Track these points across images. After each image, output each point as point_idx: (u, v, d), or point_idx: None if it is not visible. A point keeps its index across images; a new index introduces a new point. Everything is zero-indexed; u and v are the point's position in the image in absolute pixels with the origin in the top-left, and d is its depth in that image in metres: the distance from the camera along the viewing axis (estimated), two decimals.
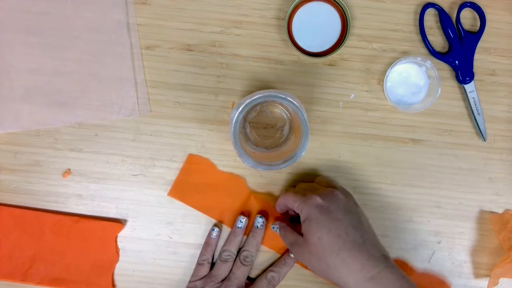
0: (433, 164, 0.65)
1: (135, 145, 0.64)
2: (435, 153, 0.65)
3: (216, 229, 0.63)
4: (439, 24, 0.64)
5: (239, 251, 0.62)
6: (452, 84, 0.65)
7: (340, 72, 0.64)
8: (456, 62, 0.64)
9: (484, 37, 0.64)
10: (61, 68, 0.63)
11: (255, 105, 0.60)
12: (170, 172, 0.64)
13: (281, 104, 0.63)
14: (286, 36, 0.62)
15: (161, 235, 0.64)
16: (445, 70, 0.65)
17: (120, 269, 0.64)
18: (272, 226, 0.63)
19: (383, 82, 0.62)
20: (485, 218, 0.65)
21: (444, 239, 0.65)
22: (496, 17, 0.64)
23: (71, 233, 0.63)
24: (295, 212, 0.58)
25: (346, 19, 0.62)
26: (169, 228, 0.64)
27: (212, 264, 0.63)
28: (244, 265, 0.61)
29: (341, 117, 0.65)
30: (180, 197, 0.64)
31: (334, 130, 0.65)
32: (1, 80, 0.63)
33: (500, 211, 0.65)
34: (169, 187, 0.64)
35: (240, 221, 0.62)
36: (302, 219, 0.56)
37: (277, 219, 0.63)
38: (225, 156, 0.64)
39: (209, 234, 0.63)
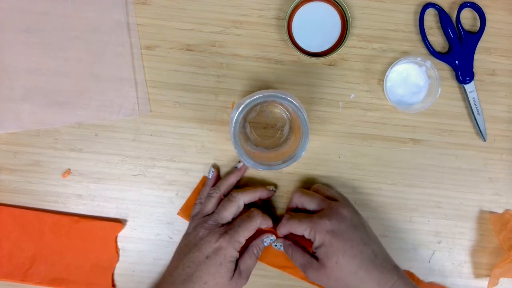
0: (433, 164, 0.65)
1: (135, 145, 0.64)
2: (435, 153, 0.65)
3: (212, 169, 0.63)
4: (439, 24, 0.64)
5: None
6: (452, 84, 0.65)
7: (340, 72, 0.64)
8: (456, 62, 0.64)
9: (484, 37, 0.64)
10: (61, 68, 0.63)
11: (255, 105, 0.60)
12: (170, 172, 0.64)
13: (281, 104, 0.63)
14: (286, 36, 0.62)
15: (161, 235, 0.64)
16: (445, 70, 0.65)
17: (120, 269, 0.64)
18: (274, 244, 0.62)
19: (383, 82, 0.62)
20: (485, 218, 0.65)
21: (444, 239, 0.65)
22: (496, 17, 0.64)
23: (71, 233, 0.63)
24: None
25: (346, 19, 0.62)
26: (169, 228, 0.64)
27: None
28: (230, 200, 0.59)
29: (341, 117, 0.65)
30: (189, 217, 0.63)
31: (334, 130, 0.65)
32: (1, 80, 0.63)
33: (500, 211, 0.65)
34: (169, 187, 0.64)
35: (239, 162, 0.63)
36: (316, 245, 0.56)
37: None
38: (225, 156, 0.64)
39: (207, 175, 0.63)
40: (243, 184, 0.64)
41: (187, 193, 0.64)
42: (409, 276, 0.63)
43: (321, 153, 0.65)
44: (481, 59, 0.65)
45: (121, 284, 0.64)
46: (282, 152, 0.59)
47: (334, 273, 0.55)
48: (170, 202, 0.64)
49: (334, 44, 0.63)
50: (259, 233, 0.61)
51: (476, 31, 0.64)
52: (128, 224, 0.64)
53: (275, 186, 0.64)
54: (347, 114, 0.65)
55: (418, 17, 0.64)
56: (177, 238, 0.64)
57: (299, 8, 0.63)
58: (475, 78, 0.64)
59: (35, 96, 0.63)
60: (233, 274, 0.58)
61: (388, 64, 0.64)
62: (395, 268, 0.55)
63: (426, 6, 0.64)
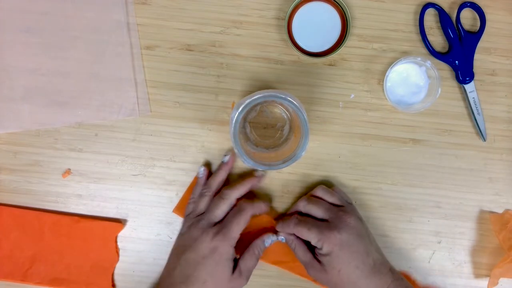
0: (433, 164, 0.65)
1: (135, 145, 0.64)
2: (435, 153, 0.65)
3: (202, 167, 0.63)
4: (439, 24, 0.64)
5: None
6: (452, 84, 0.65)
7: (340, 72, 0.64)
8: (456, 62, 0.64)
9: (484, 37, 0.64)
10: (61, 68, 0.63)
11: (255, 105, 0.60)
12: (170, 172, 0.64)
13: (281, 104, 0.63)
14: (286, 36, 0.62)
15: (161, 235, 0.64)
16: (445, 70, 0.65)
17: (120, 269, 0.64)
18: (279, 238, 0.62)
19: (383, 82, 0.62)
20: (485, 218, 0.65)
21: (444, 239, 0.65)
22: (496, 17, 0.64)
23: (71, 233, 0.63)
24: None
25: (346, 19, 0.62)
26: (169, 228, 0.64)
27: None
28: (222, 198, 0.60)
29: (341, 117, 0.65)
30: (183, 215, 0.63)
31: (334, 130, 0.65)
32: (1, 80, 0.63)
33: (500, 211, 0.65)
34: (169, 187, 0.64)
35: (225, 155, 0.63)
36: (322, 253, 0.57)
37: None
38: None
39: (197, 174, 0.63)
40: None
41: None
42: (406, 277, 0.63)
43: (321, 153, 0.65)
44: (481, 59, 0.65)
45: (121, 284, 0.64)
46: (282, 152, 0.59)
47: (335, 279, 0.57)
48: (170, 202, 0.64)
49: (334, 44, 0.63)
50: (260, 232, 0.62)
51: (476, 31, 0.64)
52: (128, 224, 0.64)
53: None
54: (347, 114, 0.65)
55: (418, 17, 0.64)
56: None
57: (299, 8, 0.63)
58: (475, 78, 0.64)
59: (35, 96, 0.63)
60: (233, 272, 0.58)
61: (388, 64, 0.64)
62: (391, 271, 0.58)
63: (426, 6, 0.63)
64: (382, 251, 0.60)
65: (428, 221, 0.65)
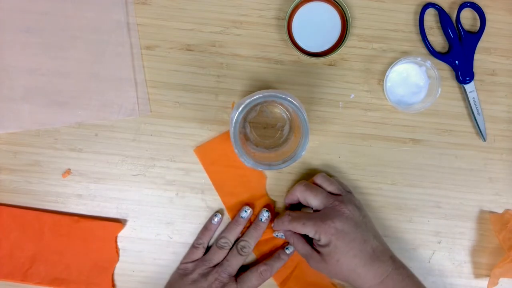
0: (433, 164, 0.65)
1: (135, 145, 0.64)
2: (435, 153, 0.65)
3: (219, 215, 0.63)
4: (439, 24, 0.64)
5: (236, 241, 0.62)
6: (452, 84, 0.65)
7: (340, 72, 0.64)
8: (456, 62, 0.64)
9: (484, 37, 0.64)
10: (61, 68, 0.63)
11: (255, 105, 0.60)
12: (170, 172, 0.64)
13: (281, 104, 0.63)
14: (286, 36, 0.62)
15: (161, 235, 0.64)
16: (445, 70, 0.65)
17: (120, 269, 0.64)
18: (275, 234, 0.63)
19: (383, 82, 0.62)
20: (485, 218, 0.65)
21: (444, 239, 0.65)
22: (496, 17, 0.64)
23: (71, 233, 0.63)
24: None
25: (346, 19, 0.62)
26: (169, 228, 0.64)
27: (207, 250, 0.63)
28: (240, 254, 0.61)
29: (341, 117, 0.65)
30: (202, 159, 0.63)
31: (334, 130, 0.65)
32: (1, 80, 0.63)
33: (500, 211, 0.65)
34: (169, 187, 0.64)
35: (245, 211, 0.62)
36: (321, 243, 0.57)
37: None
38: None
39: (211, 219, 0.63)
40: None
41: (187, 193, 0.64)
42: None
43: (321, 153, 0.65)
44: (481, 59, 0.65)
45: (121, 284, 0.64)
46: (282, 152, 0.59)
47: (335, 268, 0.57)
48: (170, 202, 0.64)
49: (334, 44, 0.63)
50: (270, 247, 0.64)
51: (476, 31, 0.64)
52: (128, 224, 0.64)
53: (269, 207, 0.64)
54: (347, 114, 0.65)
55: (418, 17, 0.64)
56: (177, 238, 0.64)
57: (299, 8, 0.63)
58: (475, 78, 0.64)
59: (35, 96, 0.63)
60: None
61: (388, 64, 0.64)
62: (391, 259, 0.58)
63: (426, 6, 0.63)
64: (383, 239, 0.60)
65: (428, 221, 0.65)
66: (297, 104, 0.54)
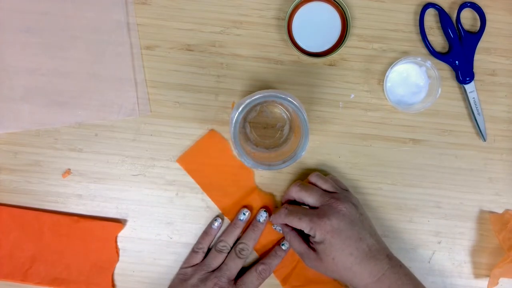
0: (433, 164, 0.65)
1: (135, 145, 0.64)
2: (435, 153, 0.65)
3: (219, 220, 0.63)
4: (439, 24, 0.64)
5: (235, 243, 0.62)
6: (452, 84, 0.65)
7: (340, 72, 0.64)
8: (456, 62, 0.64)
9: (484, 37, 0.64)
10: (61, 68, 0.63)
11: (255, 105, 0.60)
12: (170, 172, 0.64)
13: (281, 104, 0.63)
14: (286, 36, 0.62)
15: (161, 235, 0.64)
16: (445, 70, 0.65)
17: (120, 269, 0.64)
18: (274, 227, 0.63)
19: (383, 82, 0.62)
20: (485, 218, 0.65)
21: (444, 239, 0.65)
22: (496, 17, 0.64)
23: (71, 233, 0.63)
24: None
25: (346, 19, 0.62)
26: (169, 228, 0.64)
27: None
28: (239, 257, 0.61)
29: (341, 117, 0.65)
30: (187, 167, 0.63)
31: (334, 130, 0.65)
32: (1, 80, 0.63)
33: (500, 211, 0.65)
34: (169, 187, 0.64)
35: (243, 213, 0.62)
36: (315, 240, 0.57)
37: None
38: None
39: (211, 223, 0.63)
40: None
41: (187, 193, 0.64)
42: None
43: (321, 153, 0.65)
44: (481, 59, 0.65)
45: (121, 284, 0.64)
46: (282, 152, 0.59)
47: (330, 267, 0.57)
48: (170, 202, 0.64)
49: (334, 44, 0.63)
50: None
51: (476, 31, 0.64)
52: (128, 224, 0.64)
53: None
54: (347, 114, 0.65)
55: (418, 17, 0.64)
56: (177, 238, 0.64)
57: (299, 8, 0.63)
58: (475, 78, 0.64)
59: (35, 96, 0.63)
60: None
61: (388, 64, 0.64)
62: (388, 257, 0.57)
63: (426, 6, 0.63)
64: (381, 238, 0.59)
65: (428, 221, 0.65)
66: (297, 104, 0.54)
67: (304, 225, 0.57)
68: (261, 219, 0.62)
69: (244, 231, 0.63)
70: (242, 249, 0.62)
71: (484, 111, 0.64)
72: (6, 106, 0.63)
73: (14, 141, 0.64)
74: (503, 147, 0.65)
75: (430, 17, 0.65)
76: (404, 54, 0.64)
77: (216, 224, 0.63)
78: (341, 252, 0.56)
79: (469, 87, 0.64)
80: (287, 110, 0.63)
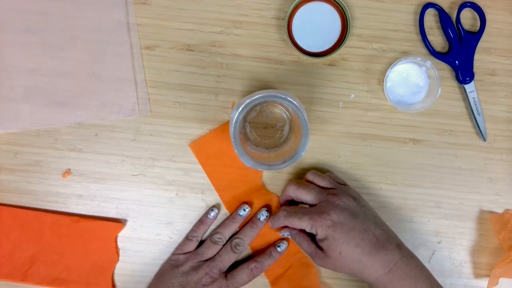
0: (433, 164, 0.65)
1: (135, 145, 0.64)
2: (435, 153, 0.65)
3: (215, 210, 0.63)
4: (439, 24, 0.64)
5: (231, 238, 0.62)
6: (452, 84, 0.65)
7: (340, 72, 0.64)
8: (456, 62, 0.64)
9: (484, 37, 0.64)
10: (61, 68, 0.63)
11: (255, 105, 0.60)
12: (170, 172, 0.64)
13: (281, 104, 0.63)
14: (286, 36, 0.62)
15: (161, 235, 0.64)
16: (445, 70, 0.65)
17: (120, 269, 0.64)
18: (281, 233, 0.63)
19: (383, 82, 0.62)
20: (485, 218, 0.65)
21: (444, 239, 0.65)
22: (496, 17, 0.64)
23: (71, 233, 0.63)
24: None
25: (346, 19, 0.62)
26: (169, 228, 0.64)
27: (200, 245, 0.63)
28: (234, 252, 0.61)
29: (341, 117, 0.65)
30: (198, 153, 0.63)
31: (334, 130, 0.65)
32: (1, 80, 0.63)
33: (500, 211, 0.65)
34: (169, 187, 0.64)
35: (244, 209, 0.62)
36: (319, 238, 0.57)
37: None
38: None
39: (207, 213, 0.63)
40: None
41: (187, 193, 0.64)
42: None
43: (321, 153, 0.65)
44: (481, 59, 0.65)
45: (121, 284, 0.64)
46: (282, 152, 0.59)
47: (339, 262, 0.56)
48: (170, 202, 0.64)
49: (334, 44, 0.63)
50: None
51: (476, 31, 0.64)
52: (128, 224, 0.64)
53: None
54: (347, 114, 0.65)
55: (418, 17, 0.64)
56: (177, 238, 0.64)
57: (299, 8, 0.63)
58: (475, 78, 0.64)
59: (35, 96, 0.63)
60: None
61: (388, 64, 0.64)
62: (398, 247, 0.56)
63: (426, 6, 0.63)
64: (390, 228, 0.59)
65: (428, 221, 0.65)
66: (297, 104, 0.54)
67: (304, 224, 0.57)
68: (262, 218, 0.62)
69: (241, 227, 0.63)
70: (238, 244, 0.62)
71: (484, 111, 0.64)
72: (6, 106, 0.63)
73: (14, 141, 0.64)
74: (503, 147, 0.65)
75: (430, 17, 0.65)
76: (404, 54, 0.64)
77: (212, 214, 0.63)
78: (346, 245, 0.55)
79: (469, 87, 0.64)
80: (287, 110, 0.63)
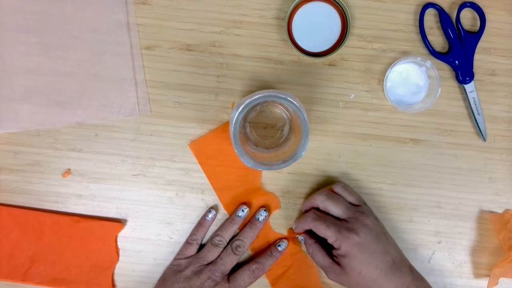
0: (433, 164, 0.65)
1: (135, 145, 0.64)
2: (435, 153, 0.65)
3: (213, 212, 0.63)
4: (439, 24, 0.64)
5: (231, 240, 0.62)
6: (452, 84, 0.65)
7: (340, 72, 0.64)
8: (456, 62, 0.64)
9: (484, 37, 0.64)
10: (61, 68, 0.63)
11: (255, 105, 0.60)
12: (170, 172, 0.64)
13: (281, 104, 0.63)
14: (286, 36, 0.62)
15: (161, 235, 0.64)
16: (445, 70, 0.65)
17: (120, 269, 0.64)
18: (299, 237, 0.63)
19: (383, 82, 0.62)
20: (485, 218, 0.65)
21: (444, 239, 0.65)
22: (496, 17, 0.64)
23: (71, 233, 0.63)
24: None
25: (346, 19, 0.62)
26: (169, 228, 0.64)
27: (201, 248, 0.63)
28: (235, 254, 0.61)
29: (341, 117, 0.65)
30: (197, 153, 0.63)
31: (334, 130, 0.65)
32: (1, 80, 0.63)
33: (500, 211, 0.65)
34: (169, 187, 0.64)
35: (242, 210, 0.62)
36: (340, 253, 0.57)
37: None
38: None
39: (205, 215, 0.63)
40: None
41: (187, 193, 0.64)
42: None
43: (321, 153, 0.65)
44: (481, 59, 0.65)
45: (121, 284, 0.64)
46: (282, 152, 0.59)
47: (356, 279, 0.57)
48: (170, 202, 0.64)
49: (334, 44, 0.63)
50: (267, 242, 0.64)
51: (476, 31, 0.64)
52: (128, 224, 0.64)
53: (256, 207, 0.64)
54: (347, 114, 0.65)
55: (418, 17, 0.64)
56: (177, 238, 0.64)
57: (299, 8, 0.63)
58: (475, 78, 0.64)
59: (35, 96, 0.63)
60: None
61: (388, 64, 0.64)
62: (410, 270, 0.58)
63: (426, 6, 0.64)
64: (401, 250, 0.60)
65: (428, 221, 0.65)
66: (297, 104, 0.54)
67: (330, 234, 0.57)
68: (260, 218, 0.62)
69: (241, 227, 0.63)
70: (239, 246, 0.62)
71: (484, 111, 0.64)
72: (6, 106, 0.63)
73: (14, 141, 0.64)
74: (503, 147, 0.65)
75: (430, 17, 0.65)
76: (404, 54, 0.64)
77: (210, 215, 0.63)
78: (367, 266, 0.56)
79: (469, 87, 0.64)
80: (287, 110, 0.63)
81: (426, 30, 0.64)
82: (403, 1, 0.64)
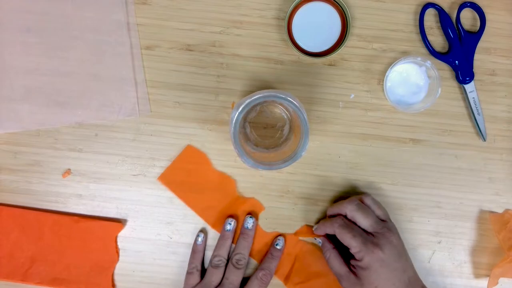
0: (433, 164, 0.65)
1: (135, 145, 0.64)
2: (435, 153, 0.65)
3: (201, 235, 0.63)
4: (439, 24, 0.64)
5: (231, 256, 0.62)
6: (452, 84, 0.65)
7: (340, 72, 0.64)
8: (456, 62, 0.64)
9: (484, 37, 0.64)
10: (61, 68, 0.63)
11: (255, 105, 0.60)
12: None
13: (281, 104, 0.63)
14: (286, 36, 0.62)
15: (161, 235, 0.64)
16: (445, 70, 0.65)
17: (120, 269, 0.64)
18: (317, 240, 0.63)
19: (383, 82, 0.62)
20: (485, 218, 0.65)
21: (444, 239, 0.65)
22: (496, 17, 0.64)
23: (71, 233, 0.63)
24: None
25: (346, 19, 0.62)
26: (169, 228, 0.64)
27: (203, 273, 0.63)
28: (238, 268, 0.61)
29: (341, 117, 0.65)
30: (168, 184, 0.63)
31: (334, 130, 0.65)
32: (1, 80, 0.63)
33: (500, 211, 0.65)
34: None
35: (229, 223, 0.62)
36: (360, 265, 0.57)
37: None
38: (225, 156, 0.64)
39: (195, 241, 0.63)
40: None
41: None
42: None
43: (321, 153, 0.65)
44: (481, 59, 0.65)
45: (121, 284, 0.64)
46: (282, 152, 0.59)
47: None
48: (170, 202, 0.64)
49: (334, 44, 0.63)
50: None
51: (476, 31, 0.64)
52: (128, 224, 0.64)
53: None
54: (347, 114, 0.65)
55: (418, 17, 0.64)
56: (177, 238, 0.64)
57: (299, 8, 0.63)
58: (475, 78, 0.64)
59: (35, 96, 0.63)
60: None
61: (388, 64, 0.64)
62: None
63: (426, 6, 0.64)
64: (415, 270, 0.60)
65: (428, 221, 0.65)
66: (297, 104, 0.54)
67: (354, 244, 0.56)
68: (249, 226, 0.62)
69: (234, 240, 0.63)
70: (239, 259, 0.61)
71: (484, 111, 0.64)
72: (6, 106, 0.63)
73: (14, 141, 0.64)
74: (503, 147, 0.65)
75: (430, 17, 0.65)
76: (404, 54, 0.64)
77: (199, 239, 0.63)
78: (385, 282, 0.56)
79: (469, 87, 0.64)
80: (287, 110, 0.63)
81: (426, 30, 0.64)
82: (403, 1, 0.64)
